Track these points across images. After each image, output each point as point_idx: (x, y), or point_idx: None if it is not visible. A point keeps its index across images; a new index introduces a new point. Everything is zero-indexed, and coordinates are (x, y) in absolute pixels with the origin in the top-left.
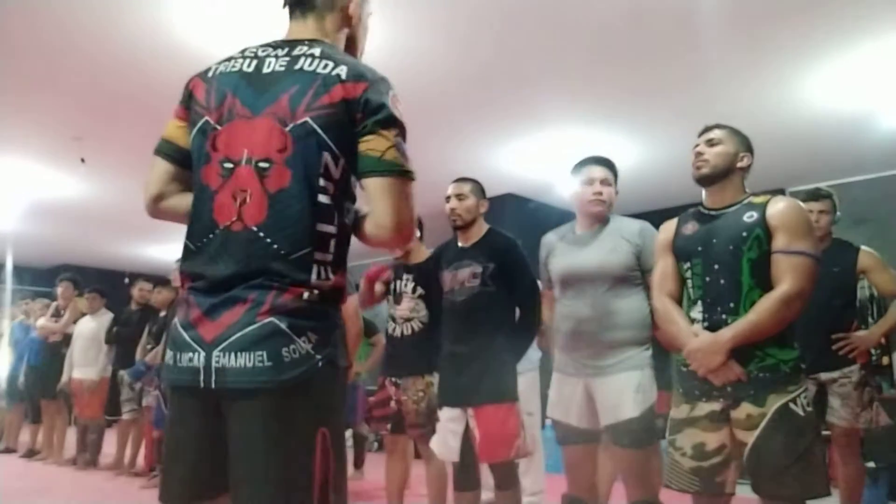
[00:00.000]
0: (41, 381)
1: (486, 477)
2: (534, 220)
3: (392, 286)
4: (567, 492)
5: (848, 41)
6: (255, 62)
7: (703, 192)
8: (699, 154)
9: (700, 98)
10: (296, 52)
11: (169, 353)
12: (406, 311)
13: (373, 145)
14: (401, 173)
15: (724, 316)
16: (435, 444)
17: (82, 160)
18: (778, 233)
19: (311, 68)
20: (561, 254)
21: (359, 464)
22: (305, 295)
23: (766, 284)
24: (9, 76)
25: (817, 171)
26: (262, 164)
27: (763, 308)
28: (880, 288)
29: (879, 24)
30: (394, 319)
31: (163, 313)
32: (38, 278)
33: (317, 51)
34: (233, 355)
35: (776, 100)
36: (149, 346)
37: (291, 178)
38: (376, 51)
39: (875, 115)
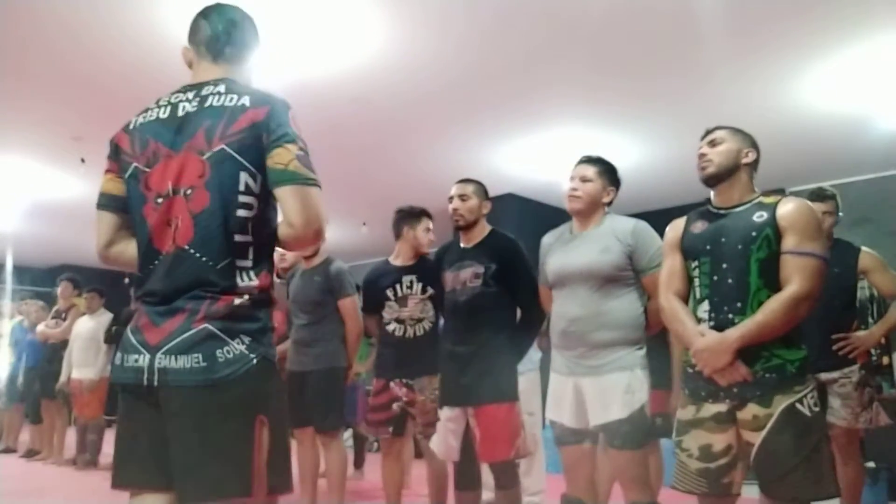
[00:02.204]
0: (41, 381)
1: (487, 477)
2: (534, 220)
3: (392, 290)
4: (566, 492)
5: (847, 41)
6: (169, 108)
7: (712, 192)
8: (703, 155)
9: (700, 98)
10: (204, 92)
11: (118, 355)
12: (417, 312)
13: (278, 159)
14: (305, 181)
15: (730, 316)
16: (435, 443)
17: (82, 160)
18: (788, 233)
19: (220, 103)
20: (555, 254)
21: (359, 464)
22: (236, 301)
23: (773, 285)
24: (9, 76)
25: (817, 171)
26: (187, 192)
27: (771, 309)
28: (880, 288)
29: (879, 24)
30: (400, 321)
31: None
32: (38, 278)
33: (222, 88)
34: (173, 357)
35: (776, 100)
36: None
37: (210, 198)
38: (379, 53)
39: (875, 115)
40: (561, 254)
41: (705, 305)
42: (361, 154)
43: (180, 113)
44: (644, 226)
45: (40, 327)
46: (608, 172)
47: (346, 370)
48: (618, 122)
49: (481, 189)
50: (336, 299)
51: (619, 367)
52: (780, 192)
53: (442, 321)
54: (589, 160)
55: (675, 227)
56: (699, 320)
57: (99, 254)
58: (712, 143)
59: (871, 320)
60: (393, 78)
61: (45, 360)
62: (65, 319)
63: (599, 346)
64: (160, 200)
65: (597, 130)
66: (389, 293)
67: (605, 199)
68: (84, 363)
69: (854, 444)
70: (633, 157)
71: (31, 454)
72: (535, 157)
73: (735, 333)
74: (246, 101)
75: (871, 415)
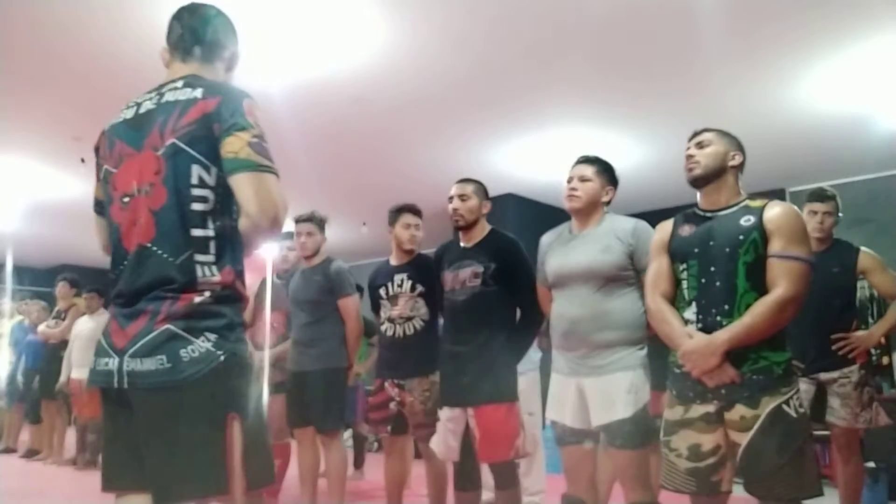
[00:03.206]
0: (41, 381)
1: (487, 477)
2: (534, 220)
3: (384, 289)
4: (567, 492)
5: (847, 41)
6: (134, 109)
7: (698, 194)
8: (690, 157)
9: (700, 98)
10: (164, 89)
11: (93, 358)
12: (406, 310)
13: (229, 148)
14: (257, 168)
15: (718, 318)
16: (435, 444)
17: (82, 160)
18: (774, 237)
19: (174, 98)
20: (554, 254)
21: (359, 464)
22: (197, 299)
23: (760, 288)
24: (9, 76)
25: (817, 171)
26: (146, 189)
27: (758, 312)
28: (880, 289)
29: (879, 24)
30: (391, 320)
31: None
32: (38, 278)
33: (180, 83)
34: (139, 361)
35: (776, 100)
36: None
37: (167, 193)
38: (379, 53)
39: (875, 115)
40: (561, 254)
41: (693, 308)
42: (361, 154)
43: (142, 111)
44: (644, 225)
45: (41, 327)
46: (606, 172)
47: (347, 370)
48: (618, 122)
49: (481, 189)
50: (336, 299)
51: (622, 367)
52: (781, 192)
53: (438, 321)
54: (587, 160)
55: (663, 230)
56: (687, 322)
57: (105, 254)
58: (700, 145)
59: (871, 320)
60: (393, 78)
61: (45, 360)
62: (65, 319)
63: (602, 346)
64: (126, 200)
65: (597, 130)
66: (382, 292)
67: (605, 199)
68: (84, 363)
69: (854, 443)
70: (634, 157)
71: (31, 454)
72: (535, 157)
73: (723, 336)
74: (198, 93)
75: (871, 415)
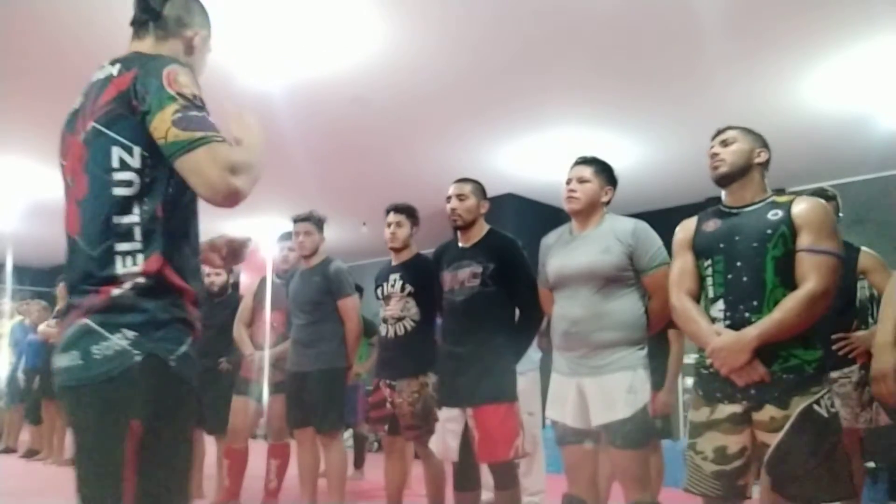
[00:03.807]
0: (41, 381)
1: (486, 477)
2: (534, 220)
3: (381, 289)
4: (568, 492)
5: (848, 41)
6: (80, 97)
7: (723, 192)
8: (715, 155)
9: (700, 98)
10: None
11: None
12: (396, 310)
13: (157, 134)
14: (188, 147)
15: (747, 314)
16: (434, 444)
17: None
18: (803, 231)
19: (97, 78)
20: (555, 255)
21: (359, 464)
22: (115, 292)
23: (789, 283)
24: (9, 76)
25: (817, 171)
26: (72, 179)
27: (788, 307)
28: (880, 289)
29: (879, 24)
30: (385, 321)
31: None
32: (38, 278)
33: (108, 62)
34: (61, 356)
35: (776, 100)
36: None
37: (88, 181)
38: (379, 53)
39: (875, 115)
40: (561, 255)
41: (720, 304)
42: (361, 154)
43: (83, 98)
44: (644, 226)
45: (41, 327)
46: (605, 172)
47: (346, 370)
48: (618, 122)
49: (479, 189)
50: (335, 299)
51: (622, 367)
52: (780, 192)
53: (433, 322)
54: (585, 161)
55: (686, 228)
56: (713, 319)
57: None
58: (724, 143)
59: (871, 320)
60: (393, 78)
61: (45, 359)
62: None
63: (602, 346)
64: (67, 191)
65: (597, 130)
66: (379, 292)
67: (604, 199)
68: None
69: (854, 443)
70: (633, 157)
71: (31, 454)
72: (535, 157)
73: (753, 332)
74: (115, 69)
75: (871, 414)
